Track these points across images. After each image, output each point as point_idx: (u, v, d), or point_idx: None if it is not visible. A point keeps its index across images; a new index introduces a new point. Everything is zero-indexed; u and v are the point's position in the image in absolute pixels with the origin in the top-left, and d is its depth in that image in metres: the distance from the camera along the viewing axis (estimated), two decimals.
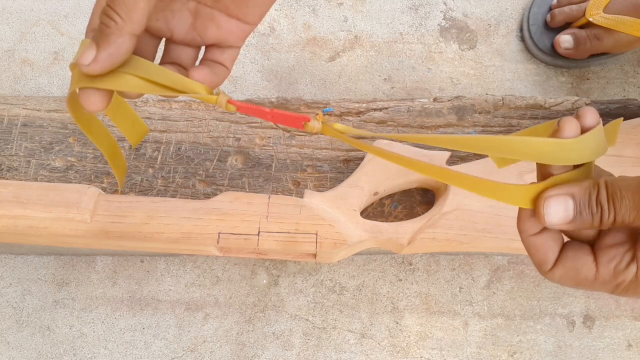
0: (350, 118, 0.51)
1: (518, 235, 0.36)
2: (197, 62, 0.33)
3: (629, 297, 0.27)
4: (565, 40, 0.61)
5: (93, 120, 0.35)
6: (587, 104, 0.52)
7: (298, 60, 0.66)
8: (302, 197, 0.46)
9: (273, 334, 0.56)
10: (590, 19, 0.59)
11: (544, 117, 0.52)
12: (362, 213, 0.46)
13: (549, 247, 0.27)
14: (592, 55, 0.63)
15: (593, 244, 0.27)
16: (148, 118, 0.51)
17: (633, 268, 0.25)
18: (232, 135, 0.50)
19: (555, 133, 0.25)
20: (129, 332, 0.56)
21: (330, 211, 0.44)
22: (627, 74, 0.66)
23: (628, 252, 0.25)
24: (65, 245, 0.46)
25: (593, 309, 0.57)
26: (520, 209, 0.27)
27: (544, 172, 0.27)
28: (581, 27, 0.61)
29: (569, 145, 0.25)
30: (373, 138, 0.46)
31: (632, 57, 0.66)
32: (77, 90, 0.29)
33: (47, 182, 0.48)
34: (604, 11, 0.59)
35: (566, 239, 0.28)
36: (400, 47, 0.66)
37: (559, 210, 0.25)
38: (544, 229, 0.26)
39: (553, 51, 0.63)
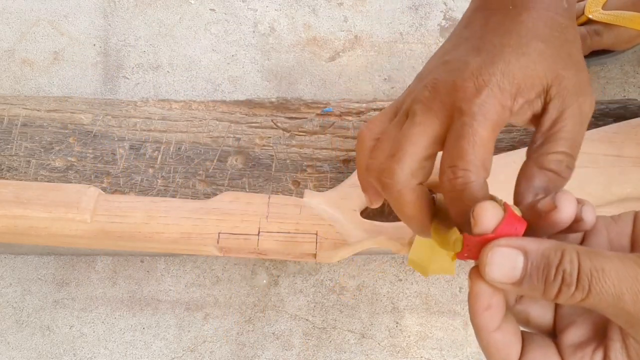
0: (350, 118, 0.51)
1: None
2: None
3: None
4: None
5: None
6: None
7: (298, 60, 0.66)
8: (302, 197, 0.46)
9: (273, 334, 0.56)
10: (590, 16, 0.59)
11: None
12: (362, 213, 0.46)
13: (512, 344, 0.23)
14: (593, 53, 0.62)
15: (555, 337, 0.23)
16: (148, 118, 0.51)
17: None
18: (232, 135, 0.50)
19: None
20: (129, 332, 0.56)
21: (330, 211, 0.44)
22: (627, 74, 0.66)
23: (597, 350, 0.21)
24: (65, 245, 0.46)
25: None
26: (473, 302, 0.23)
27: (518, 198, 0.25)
28: (581, 25, 0.61)
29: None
30: None
31: (632, 57, 0.66)
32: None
33: (47, 182, 0.48)
34: (602, 8, 0.59)
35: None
36: (400, 47, 0.66)
37: (503, 264, 0.21)
38: (504, 321, 0.23)
39: None
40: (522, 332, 0.23)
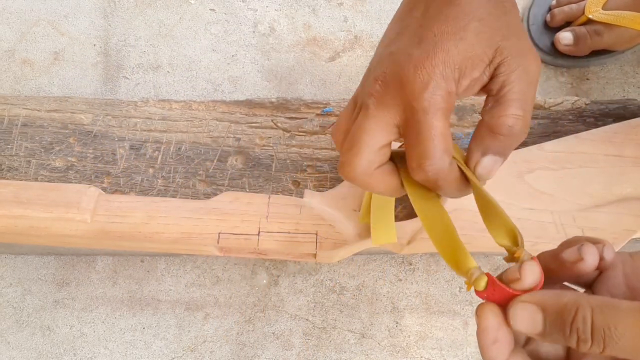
0: None
1: None
2: None
3: None
4: (565, 37, 0.61)
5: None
6: (586, 104, 0.52)
7: (298, 61, 0.66)
8: (302, 197, 0.46)
9: (273, 334, 0.56)
10: (590, 16, 0.59)
11: (543, 117, 0.52)
12: None
13: None
14: (594, 53, 0.63)
15: None
16: (148, 118, 0.51)
17: None
18: (232, 135, 0.50)
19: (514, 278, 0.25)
20: (129, 332, 0.56)
21: (330, 211, 0.44)
22: (627, 74, 0.66)
23: None
24: (66, 245, 0.46)
25: None
26: (482, 337, 0.24)
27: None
28: (581, 25, 0.61)
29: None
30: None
31: (632, 57, 0.66)
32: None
33: (47, 182, 0.48)
34: (603, 8, 0.59)
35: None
36: None
37: (524, 319, 0.23)
38: (513, 354, 0.24)
39: (553, 51, 0.63)
40: None
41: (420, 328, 0.56)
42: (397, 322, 0.56)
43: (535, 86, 0.28)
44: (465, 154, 0.30)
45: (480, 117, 0.29)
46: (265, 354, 0.55)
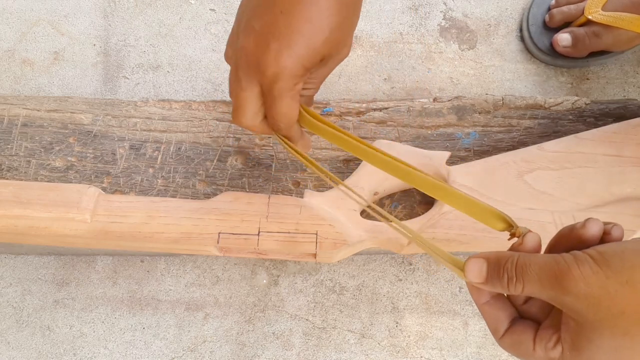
0: (350, 118, 0.51)
1: None
2: None
3: None
4: (563, 38, 0.61)
5: None
6: (586, 104, 0.52)
7: None
8: (302, 197, 0.46)
9: (273, 333, 0.56)
10: (589, 17, 0.59)
11: (543, 117, 0.52)
12: (362, 213, 0.46)
13: (499, 318, 0.31)
14: (592, 54, 0.63)
15: (541, 323, 0.30)
16: (148, 118, 0.51)
17: (559, 348, 0.28)
18: (232, 135, 0.50)
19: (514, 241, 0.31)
20: (129, 332, 0.56)
21: (330, 211, 0.44)
22: (627, 74, 0.66)
23: (555, 334, 0.28)
24: (66, 245, 0.46)
25: None
26: (468, 284, 0.31)
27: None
28: (580, 26, 0.61)
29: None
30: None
31: (632, 57, 0.66)
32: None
33: (47, 182, 0.48)
34: (602, 9, 0.59)
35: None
36: (400, 47, 0.66)
37: (474, 269, 0.30)
38: (492, 299, 0.31)
39: (552, 51, 0.63)
40: (516, 316, 0.31)
41: (420, 328, 0.56)
42: (397, 322, 0.56)
43: (336, 65, 0.38)
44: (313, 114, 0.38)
45: None
46: (265, 354, 0.55)
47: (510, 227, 0.32)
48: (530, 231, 0.31)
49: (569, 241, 0.29)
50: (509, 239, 0.33)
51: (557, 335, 0.28)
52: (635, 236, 0.44)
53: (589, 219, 0.29)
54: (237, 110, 0.37)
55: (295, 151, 0.39)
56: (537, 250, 0.31)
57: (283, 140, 0.39)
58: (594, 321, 0.25)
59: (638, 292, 0.24)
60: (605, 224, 0.29)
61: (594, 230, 0.29)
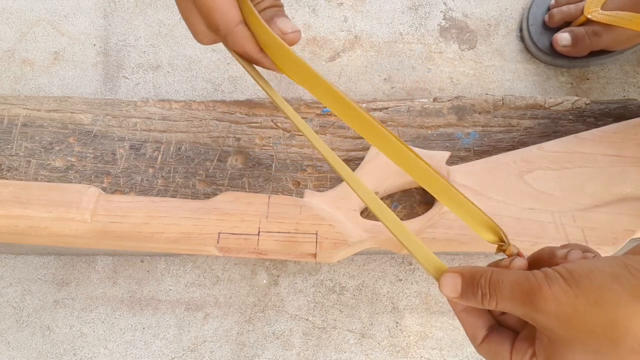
0: None
1: (517, 236, 0.39)
2: None
3: None
4: (563, 37, 0.61)
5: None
6: (586, 104, 0.52)
7: None
8: (302, 197, 0.46)
9: (273, 334, 0.56)
10: (589, 16, 0.59)
11: (543, 117, 0.52)
12: (362, 213, 0.46)
13: (477, 325, 0.31)
14: (592, 54, 0.63)
15: (518, 333, 0.31)
16: (148, 118, 0.51)
17: None
18: (232, 135, 0.50)
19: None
20: (129, 332, 0.56)
21: (330, 211, 0.44)
22: (627, 74, 0.66)
23: (530, 347, 0.29)
24: (66, 245, 0.46)
25: None
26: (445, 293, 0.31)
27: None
28: (580, 25, 0.61)
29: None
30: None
31: (632, 57, 0.66)
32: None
33: (47, 182, 0.48)
34: (601, 8, 0.59)
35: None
36: (400, 47, 0.66)
37: (449, 284, 0.30)
38: (469, 307, 0.31)
39: (552, 51, 0.63)
40: (493, 323, 0.31)
41: (420, 328, 0.56)
42: (397, 322, 0.56)
43: None
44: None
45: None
46: (265, 354, 0.55)
47: (502, 241, 0.32)
48: (520, 253, 0.31)
49: (552, 263, 0.29)
50: (496, 253, 0.33)
51: (532, 349, 0.28)
52: (635, 236, 0.44)
53: (570, 250, 0.29)
54: (191, 33, 0.38)
55: (247, 65, 0.37)
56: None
57: (233, 53, 0.38)
58: (565, 339, 0.26)
59: (606, 312, 0.25)
60: (586, 250, 0.30)
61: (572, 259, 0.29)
